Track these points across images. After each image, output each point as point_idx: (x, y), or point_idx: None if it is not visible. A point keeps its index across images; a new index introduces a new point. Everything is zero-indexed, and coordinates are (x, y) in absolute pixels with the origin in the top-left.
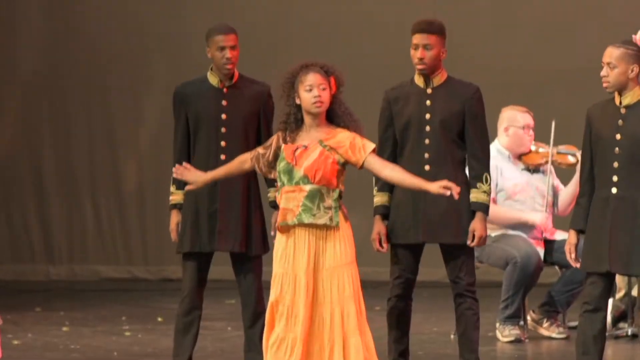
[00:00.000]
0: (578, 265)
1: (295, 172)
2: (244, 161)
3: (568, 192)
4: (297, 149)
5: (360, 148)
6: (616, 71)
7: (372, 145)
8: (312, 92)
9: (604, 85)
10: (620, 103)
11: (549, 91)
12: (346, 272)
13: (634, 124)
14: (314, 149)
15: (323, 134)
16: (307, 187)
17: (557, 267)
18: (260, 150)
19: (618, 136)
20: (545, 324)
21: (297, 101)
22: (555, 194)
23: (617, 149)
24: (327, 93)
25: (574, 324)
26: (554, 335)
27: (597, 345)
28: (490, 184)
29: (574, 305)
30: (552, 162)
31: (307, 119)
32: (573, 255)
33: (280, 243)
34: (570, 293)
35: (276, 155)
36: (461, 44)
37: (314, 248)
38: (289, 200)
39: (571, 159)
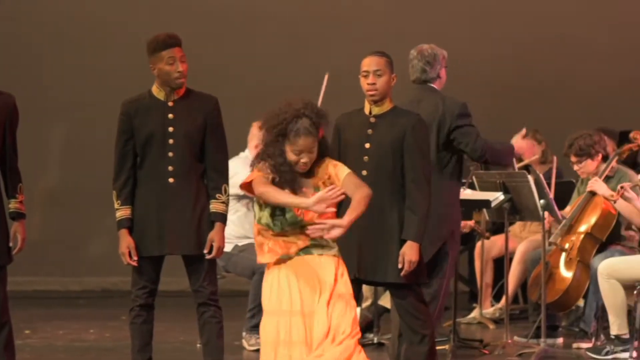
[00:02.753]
0: None
1: (303, 222)
2: None
3: None
4: None
5: (336, 174)
6: (384, 79)
7: (345, 170)
8: (300, 156)
9: (371, 93)
10: (370, 112)
11: None
12: None
13: (383, 132)
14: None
15: (316, 178)
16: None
17: None
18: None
19: (367, 145)
20: None
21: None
22: None
23: (365, 157)
24: (315, 149)
25: None
26: None
27: None
28: (228, 195)
29: None
30: None
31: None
32: None
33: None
34: None
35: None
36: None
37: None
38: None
39: None
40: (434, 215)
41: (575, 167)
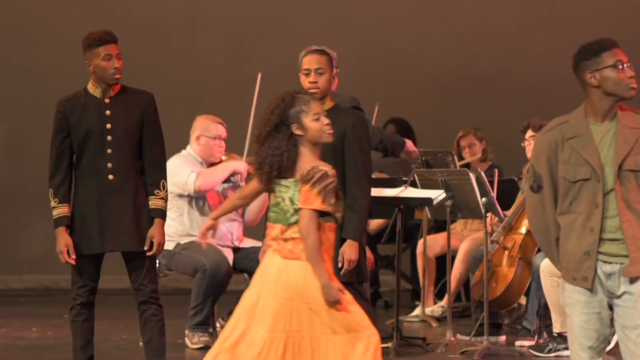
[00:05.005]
0: None
1: None
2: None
3: (258, 200)
4: None
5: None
6: (325, 77)
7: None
8: (320, 120)
9: (313, 91)
10: None
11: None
12: None
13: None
14: None
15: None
16: None
17: (246, 274)
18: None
19: None
20: None
21: (299, 132)
22: None
23: None
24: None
25: None
26: None
27: None
28: (167, 190)
29: None
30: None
31: (307, 151)
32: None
33: None
34: None
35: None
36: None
37: None
38: None
39: None
40: None
41: (526, 144)
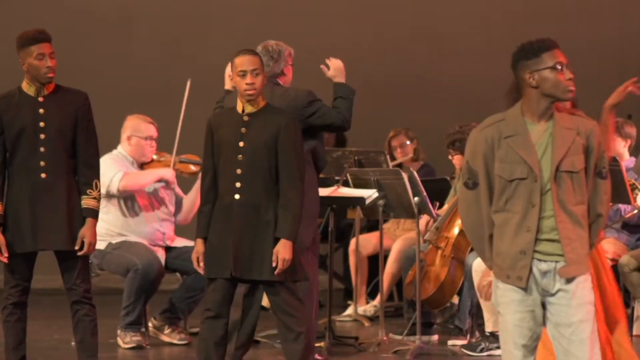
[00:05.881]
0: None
1: None
2: None
3: (189, 199)
4: None
5: None
6: (260, 78)
7: None
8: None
9: (250, 92)
10: (243, 111)
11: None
12: None
13: (257, 131)
14: None
15: None
16: None
17: (178, 274)
18: None
19: (241, 143)
20: (167, 331)
21: None
22: (177, 202)
23: (240, 156)
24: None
25: (195, 330)
26: (175, 341)
27: (218, 352)
28: (99, 190)
29: (195, 311)
30: (175, 171)
31: None
32: (202, 264)
33: None
34: (192, 300)
35: None
36: None
37: None
38: None
39: (193, 168)
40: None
41: (450, 157)
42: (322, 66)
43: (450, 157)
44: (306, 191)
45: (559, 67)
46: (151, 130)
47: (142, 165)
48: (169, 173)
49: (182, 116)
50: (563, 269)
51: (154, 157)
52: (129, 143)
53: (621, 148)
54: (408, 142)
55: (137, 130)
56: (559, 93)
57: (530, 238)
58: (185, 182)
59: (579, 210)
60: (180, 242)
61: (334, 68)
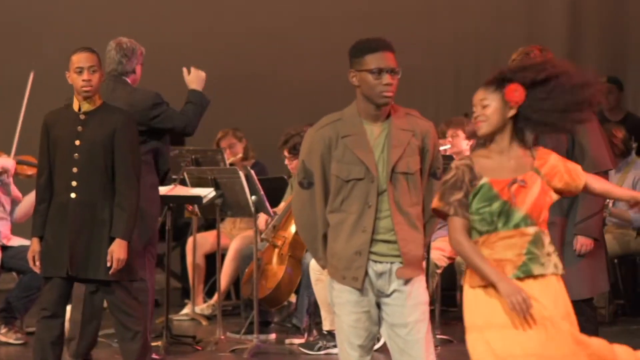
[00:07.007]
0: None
1: (515, 213)
2: None
3: (31, 199)
4: (512, 183)
5: (574, 169)
6: (97, 75)
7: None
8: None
9: (86, 89)
10: (80, 109)
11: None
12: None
13: (93, 130)
14: (533, 182)
15: (531, 158)
16: (531, 230)
17: (14, 273)
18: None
19: (77, 142)
20: (3, 330)
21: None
22: (13, 200)
23: (76, 154)
24: None
25: (32, 329)
26: (11, 341)
27: (55, 351)
28: None
29: (32, 310)
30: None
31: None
32: (37, 263)
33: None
34: (29, 299)
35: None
36: None
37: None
38: (508, 248)
39: (29, 172)
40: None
41: (287, 162)
42: (184, 68)
43: (287, 162)
44: (146, 192)
45: (377, 72)
46: None
47: None
48: (8, 162)
49: (24, 109)
50: (401, 270)
51: None
52: None
53: (464, 145)
54: (237, 142)
55: None
56: (374, 97)
57: (365, 239)
58: (22, 183)
59: (414, 211)
60: (17, 241)
61: (195, 75)
